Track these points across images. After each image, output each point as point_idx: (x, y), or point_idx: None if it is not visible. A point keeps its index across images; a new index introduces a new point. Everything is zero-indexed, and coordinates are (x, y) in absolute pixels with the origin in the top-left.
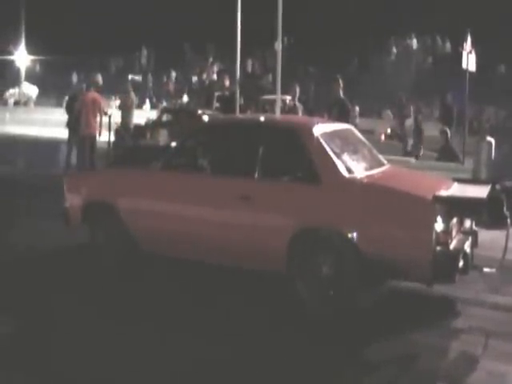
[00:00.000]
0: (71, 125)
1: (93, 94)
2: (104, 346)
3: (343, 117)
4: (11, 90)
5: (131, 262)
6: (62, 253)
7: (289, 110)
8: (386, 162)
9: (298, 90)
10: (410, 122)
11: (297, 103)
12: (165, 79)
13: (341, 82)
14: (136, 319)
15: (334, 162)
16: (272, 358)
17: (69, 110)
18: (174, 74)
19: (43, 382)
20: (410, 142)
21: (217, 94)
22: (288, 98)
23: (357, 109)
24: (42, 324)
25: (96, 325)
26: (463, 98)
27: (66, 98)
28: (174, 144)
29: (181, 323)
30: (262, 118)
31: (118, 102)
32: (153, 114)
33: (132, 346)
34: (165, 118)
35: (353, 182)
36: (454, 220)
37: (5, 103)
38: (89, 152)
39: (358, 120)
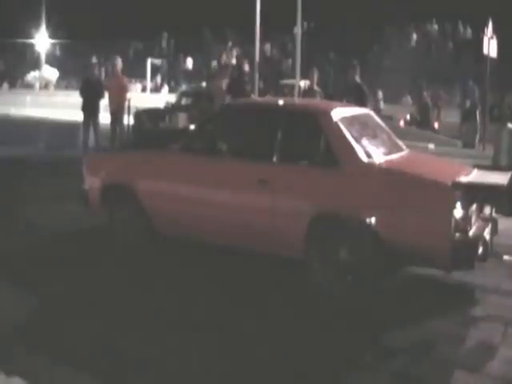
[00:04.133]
0: (86, 108)
1: (117, 79)
2: (118, 325)
3: (360, 102)
4: (32, 73)
5: (148, 244)
6: (80, 234)
7: (307, 94)
8: (404, 147)
9: (316, 74)
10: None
11: (316, 88)
12: (183, 62)
13: (357, 67)
14: (151, 302)
15: (352, 147)
16: (288, 344)
17: (83, 93)
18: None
19: (61, 359)
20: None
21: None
22: (307, 82)
23: (380, 94)
24: (59, 303)
25: (110, 305)
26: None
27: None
28: (192, 127)
29: (195, 306)
30: (281, 102)
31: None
32: (171, 98)
33: (145, 328)
34: (184, 101)
35: (371, 167)
36: (474, 206)
37: (27, 86)
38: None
39: (382, 105)
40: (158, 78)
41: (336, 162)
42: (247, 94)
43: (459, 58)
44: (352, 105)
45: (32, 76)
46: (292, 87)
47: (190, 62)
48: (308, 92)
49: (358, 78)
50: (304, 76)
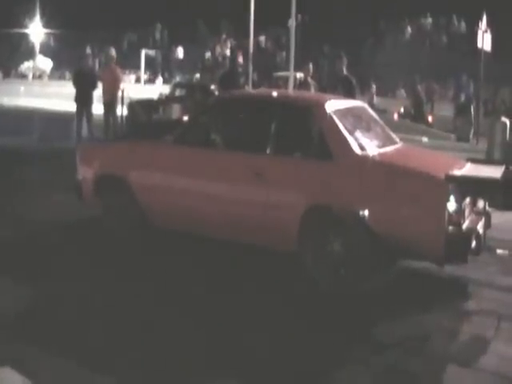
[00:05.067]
0: (79, 98)
1: (110, 69)
2: (116, 316)
3: (349, 93)
4: (26, 64)
5: (142, 236)
6: (74, 225)
7: (301, 86)
8: (398, 140)
9: (311, 67)
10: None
11: (310, 80)
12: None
13: (345, 59)
14: (150, 295)
15: (346, 139)
16: (280, 338)
17: (76, 83)
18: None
19: (60, 353)
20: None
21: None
22: (301, 74)
23: (374, 87)
24: (57, 295)
25: (107, 298)
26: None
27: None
28: (186, 119)
29: (189, 298)
30: (276, 94)
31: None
32: (165, 89)
33: (145, 324)
34: (177, 92)
35: (365, 160)
36: (467, 200)
37: (20, 76)
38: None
39: (375, 99)
40: (146, 73)
41: (330, 154)
42: (241, 86)
43: (453, 51)
44: (341, 97)
45: (26, 66)
46: (286, 79)
47: (180, 52)
48: (302, 84)
49: (345, 70)
50: (298, 68)
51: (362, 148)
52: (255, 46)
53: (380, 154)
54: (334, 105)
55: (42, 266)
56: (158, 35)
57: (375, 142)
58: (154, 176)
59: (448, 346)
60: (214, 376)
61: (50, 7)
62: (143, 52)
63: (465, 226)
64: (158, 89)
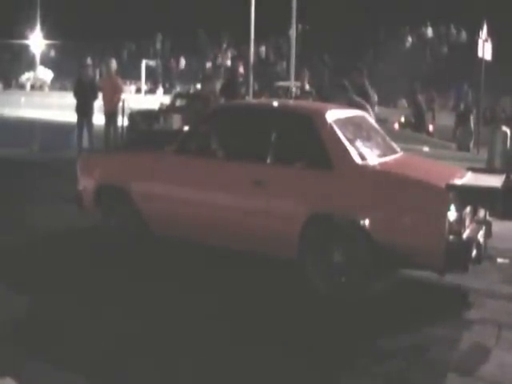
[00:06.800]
0: (80, 109)
1: (111, 80)
2: (116, 323)
3: (365, 99)
4: (26, 74)
5: (143, 246)
6: (74, 235)
7: (301, 96)
8: (399, 149)
9: (306, 75)
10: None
11: (307, 87)
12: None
13: (364, 71)
14: (150, 303)
15: (346, 149)
16: (280, 347)
17: (77, 94)
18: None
19: (58, 361)
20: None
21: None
22: (297, 84)
23: (376, 97)
24: (55, 303)
25: (107, 305)
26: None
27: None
28: (187, 128)
29: (189, 307)
30: (276, 104)
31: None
32: (166, 99)
33: (145, 329)
34: (178, 103)
35: (365, 169)
36: (468, 209)
37: (21, 87)
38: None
39: (377, 109)
40: (147, 83)
41: (330, 163)
42: (241, 96)
43: (454, 60)
44: (357, 103)
45: (27, 77)
46: (286, 89)
47: (181, 62)
48: (302, 94)
49: (365, 81)
50: (298, 78)
51: (362, 157)
52: (256, 55)
53: (380, 164)
54: (334, 114)
55: (41, 272)
56: (158, 45)
57: (376, 152)
58: (154, 186)
59: (449, 354)
60: None
61: (50, 18)
62: (144, 62)
63: (465, 235)
64: (158, 99)
